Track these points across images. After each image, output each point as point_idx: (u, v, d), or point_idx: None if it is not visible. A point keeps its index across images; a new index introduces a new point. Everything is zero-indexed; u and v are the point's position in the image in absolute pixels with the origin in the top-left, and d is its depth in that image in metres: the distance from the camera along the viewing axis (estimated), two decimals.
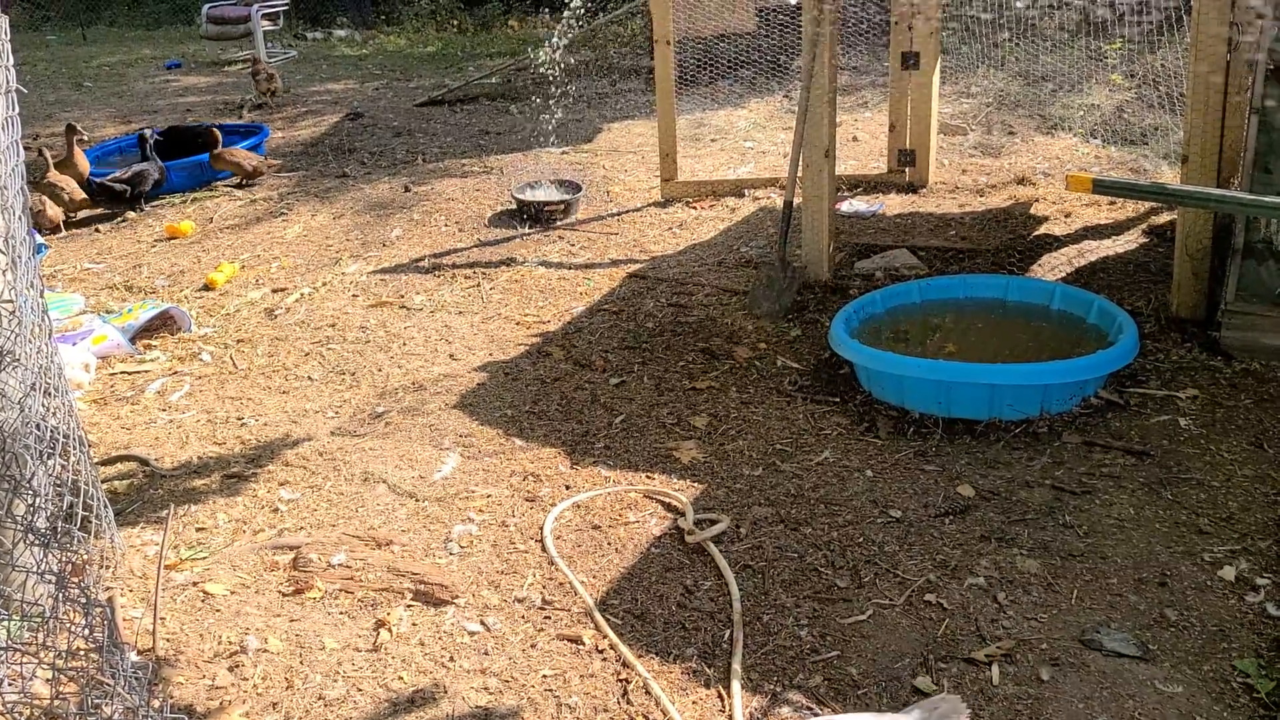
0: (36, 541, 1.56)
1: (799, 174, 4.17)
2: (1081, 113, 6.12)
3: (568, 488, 2.97)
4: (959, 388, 3.08)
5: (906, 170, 5.29)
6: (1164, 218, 4.41)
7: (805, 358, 3.64)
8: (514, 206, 5.41)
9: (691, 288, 4.32)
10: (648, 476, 2.99)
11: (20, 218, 2.15)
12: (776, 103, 7.25)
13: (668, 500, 2.86)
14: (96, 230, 5.62)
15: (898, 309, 3.70)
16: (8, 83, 2.13)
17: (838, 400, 3.33)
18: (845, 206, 5.02)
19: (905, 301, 3.72)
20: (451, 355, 3.89)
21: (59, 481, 2.26)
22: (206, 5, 11.28)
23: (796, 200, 4.23)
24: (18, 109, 2.24)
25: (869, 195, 5.25)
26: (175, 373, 3.89)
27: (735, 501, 2.83)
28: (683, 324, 3.99)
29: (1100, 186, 2.16)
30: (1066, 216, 4.69)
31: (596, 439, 3.22)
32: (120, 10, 14.97)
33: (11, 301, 1.93)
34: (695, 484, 2.93)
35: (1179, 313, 3.57)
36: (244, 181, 6.18)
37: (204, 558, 2.67)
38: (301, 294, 4.55)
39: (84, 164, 5.80)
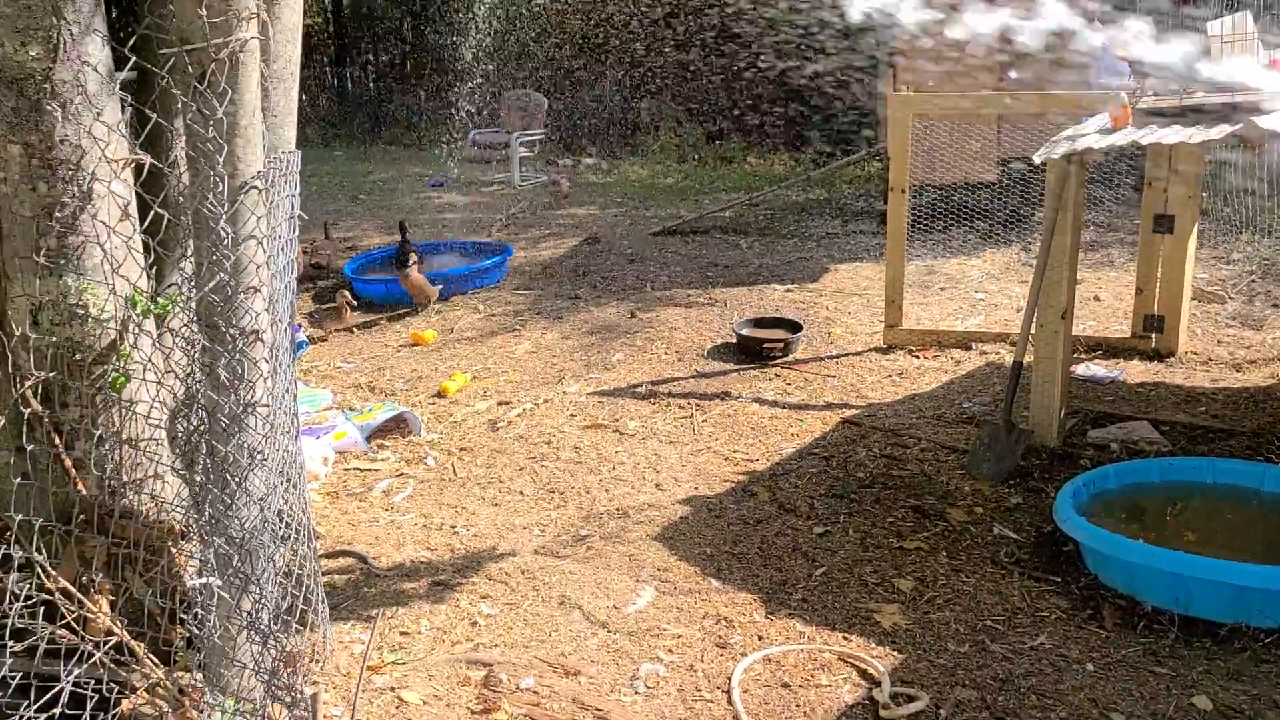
0: (257, 639, 1.67)
1: (1031, 333, 4.02)
2: None
3: (760, 638, 2.89)
4: (1200, 584, 2.80)
5: (1153, 336, 4.99)
6: None
7: (1025, 528, 3.44)
8: (734, 340, 5.48)
9: (907, 440, 4.20)
10: (844, 637, 2.88)
11: (286, 330, 2.36)
12: (1013, 254, 7.06)
13: (864, 666, 2.73)
14: (351, 332, 6.11)
15: (1134, 487, 3.44)
16: (292, 209, 2.38)
17: (1059, 580, 3.11)
18: (1081, 369, 4.77)
19: (1143, 480, 3.46)
20: (658, 485, 3.93)
21: (285, 573, 2.42)
22: (473, 131, 12.29)
23: (1027, 359, 4.07)
24: (297, 231, 2.49)
25: (1108, 360, 4.98)
26: (401, 474, 4.12)
27: (937, 678, 2.67)
28: (895, 477, 3.87)
29: None
30: None
31: (794, 589, 3.14)
32: (398, 130, 16.53)
33: (267, 406, 2.12)
34: (895, 652, 2.79)
35: None
36: (418, 306, 6.41)
37: (404, 663, 2.77)
38: (524, 409, 4.75)
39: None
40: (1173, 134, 3.32)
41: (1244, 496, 3.36)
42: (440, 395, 4.99)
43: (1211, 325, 5.40)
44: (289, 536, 2.35)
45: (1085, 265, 6.39)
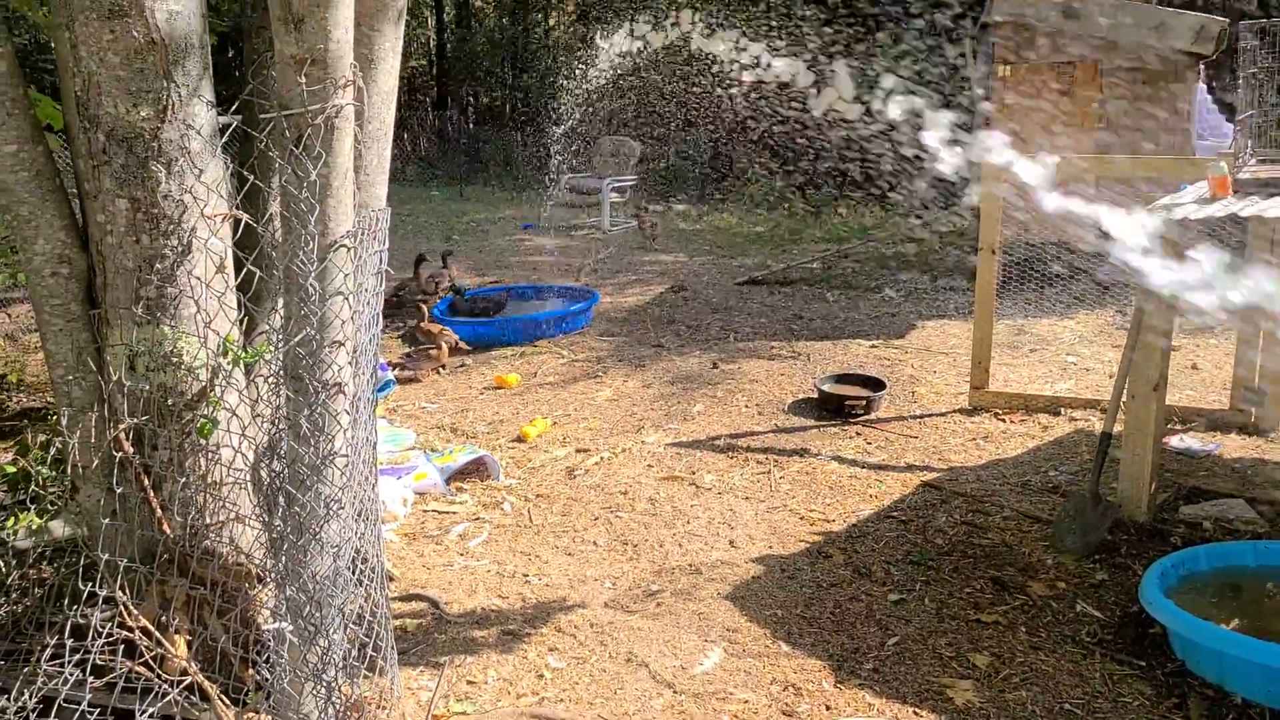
0: (321, 690, 1.71)
1: (1122, 401, 3.90)
2: None
3: (828, 708, 2.84)
4: None
5: (1252, 410, 4.79)
6: None
7: (1110, 607, 3.32)
8: (815, 396, 5.43)
9: (989, 507, 4.10)
10: (915, 712, 2.81)
11: (369, 380, 2.43)
12: (1108, 317, 6.88)
13: None
14: (438, 372, 6.23)
15: (1226, 570, 3.29)
16: (380, 263, 2.45)
17: (1143, 664, 2.99)
18: (1174, 441, 4.60)
19: (1236, 563, 3.31)
20: (732, 542, 3.90)
21: (357, 618, 2.47)
22: (567, 175, 12.52)
23: (1116, 429, 3.95)
24: (384, 283, 2.57)
25: (1204, 432, 4.79)
26: (478, 518, 4.17)
27: None
28: (975, 546, 3.78)
29: None
30: None
31: (866, 659, 3.08)
32: (494, 172, 16.92)
33: (345, 457, 2.18)
34: None
35: None
36: (438, 367, 6.25)
37: (469, 714, 2.79)
38: (601, 457, 4.77)
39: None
40: (1275, 207, 3.22)
41: None
42: (520, 440, 5.05)
43: None
44: (362, 581, 2.40)
45: (1183, 330, 6.20)
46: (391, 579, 3.56)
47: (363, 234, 2.25)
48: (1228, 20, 6.90)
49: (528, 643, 3.18)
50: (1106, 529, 3.72)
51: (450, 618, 3.35)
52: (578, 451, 4.88)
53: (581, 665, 3.05)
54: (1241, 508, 3.87)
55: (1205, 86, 7.24)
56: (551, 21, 20.73)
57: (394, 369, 6.09)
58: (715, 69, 13.82)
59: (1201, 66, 7.18)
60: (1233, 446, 4.64)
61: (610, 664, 3.05)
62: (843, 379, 5.59)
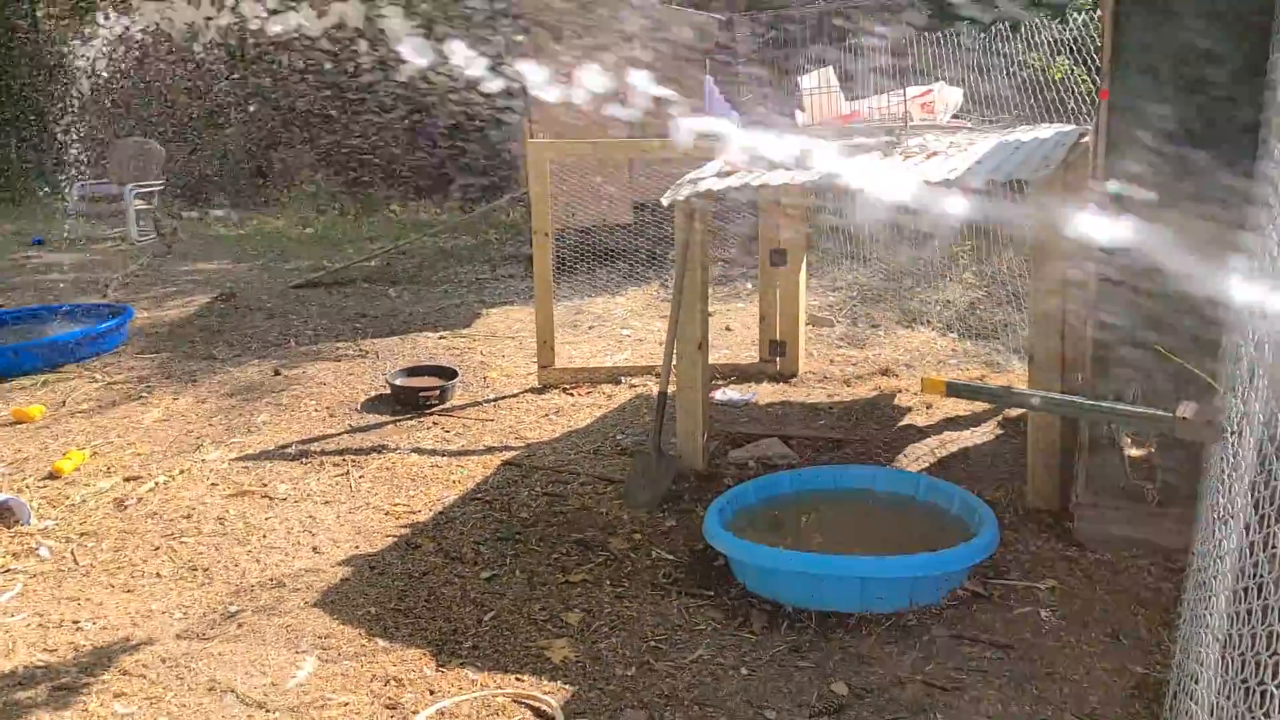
0: None
1: (673, 364, 4.26)
2: (938, 308, 6.49)
3: (432, 693, 2.81)
4: (829, 581, 3.08)
5: (777, 360, 5.47)
6: (1017, 411, 4.63)
7: (680, 549, 3.61)
8: (388, 392, 5.34)
9: (567, 476, 4.29)
10: (518, 678, 2.86)
11: None
12: (653, 291, 7.47)
13: (537, 705, 2.73)
14: None
15: (771, 499, 3.73)
16: None
17: (712, 594, 3.29)
18: (719, 395, 5.12)
19: (777, 492, 3.76)
20: (315, 549, 3.73)
21: None
22: (77, 183, 11.14)
23: (671, 389, 4.30)
24: None
25: (742, 384, 5.38)
26: (7, 570, 3.60)
27: (608, 704, 2.72)
28: (558, 514, 3.93)
29: (953, 389, 2.26)
30: (928, 407, 4.89)
31: (465, 638, 3.09)
32: None
33: None
34: (567, 686, 2.82)
35: (1035, 504, 3.70)
36: None
37: None
38: (156, 483, 4.33)
39: None
40: (778, 176, 3.67)
41: (861, 497, 3.75)
42: (54, 477, 4.43)
43: (824, 346, 6.01)
44: None
45: (717, 298, 6.91)
46: None
47: None
48: (719, 19, 7.77)
49: (87, 694, 2.81)
50: (670, 480, 4.05)
51: None
52: (127, 480, 4.39)
53: (156, 705, 2.75)
54: (777, 445, 4.40)
55: (712, 79, 8.08)
56: (40, 12, 18.33)
57: None
58: (250, 57, 13.04)
59: (708, 60, 8.01)
60: (765, 393, 5.26)
61: (191, 696, 2.79)
62: (414, 371, 5.55)
